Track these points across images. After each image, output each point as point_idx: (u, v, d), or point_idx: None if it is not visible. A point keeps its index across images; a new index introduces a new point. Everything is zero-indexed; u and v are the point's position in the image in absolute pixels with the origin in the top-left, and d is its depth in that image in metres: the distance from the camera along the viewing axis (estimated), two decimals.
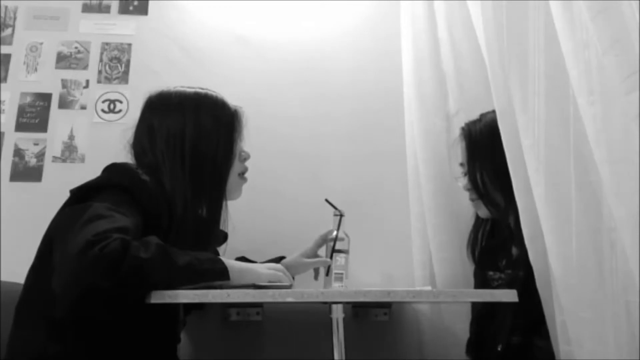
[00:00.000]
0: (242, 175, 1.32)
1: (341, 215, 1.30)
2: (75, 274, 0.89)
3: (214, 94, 1.27)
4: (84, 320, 1.01)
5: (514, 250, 1.30)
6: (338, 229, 1.30)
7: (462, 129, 1.39)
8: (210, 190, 1.19)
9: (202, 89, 1.27)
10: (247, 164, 1.35)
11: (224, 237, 1.32)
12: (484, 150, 1.31)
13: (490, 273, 1.34)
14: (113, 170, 1.14)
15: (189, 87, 1.27)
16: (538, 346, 1.14)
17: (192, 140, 1.18)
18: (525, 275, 1.17)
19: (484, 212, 1.36)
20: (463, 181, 1.39)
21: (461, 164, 1.40)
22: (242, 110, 1.29)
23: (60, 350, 1.00)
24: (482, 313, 1.36)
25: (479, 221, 1.42)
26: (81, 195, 1.07)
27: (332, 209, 1.32)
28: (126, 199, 1.05)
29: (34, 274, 1.08)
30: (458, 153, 1.41)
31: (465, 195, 1.41)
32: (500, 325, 1.27)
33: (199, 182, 1.17)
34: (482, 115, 1.35)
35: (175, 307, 1.17)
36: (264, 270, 1.13)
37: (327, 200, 1.31)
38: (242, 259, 1.38)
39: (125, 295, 0.92)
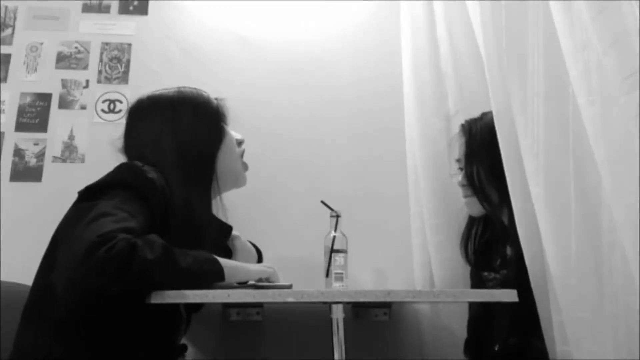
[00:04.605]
0: (241, 158, 1.34)
1: (337, 216, 1.31)
2: (81, 276, 0.90)
3: (189, 89, 1.28)
4: (88, 321, 1.02)
5: (508, 250, 1.31)
6: (335, 230, 1.30)
7: (462, 125, 1.40)
8: (197, 183, 1.20)
9: (178, 87, 1.29)
10: (248, 164, 1.36)
11: (228, 230, 1.33)
12: (482, 147, 1.31)
13: (485, 274, 1.34)
14: (120, 169, 1.15)
15: (162, 89, 1.28)
16: (535, 347, 1.13)
17: (171, 139, 1.20)
18: (517, 276, 1.17)
19: (476, 210, 1.36)
20: (458, 177, 1.39)
21: (458, 160, 1.41)
22: (223, 101, 1.30)
23: (66, 352, 1.00)
24: (480, 313, 1.36)
25: (472, 220, 1.43)
26: (89, 195, 1.07)
27: (330, 211, 1.33)
28: (133, 197, 1.06)
29: (41, 275, 1.08)
30: (455, 149, 1.41)
31: None
32: (497, 325, 1.28)
33: (185, 176, 1.17)
34: (484, 114, 1.36)
35: (176, 306, 1.17)
36: (254, 267, 1.16)
37: (323, 202, 1.32)
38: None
39: (129, 296, 0.93)
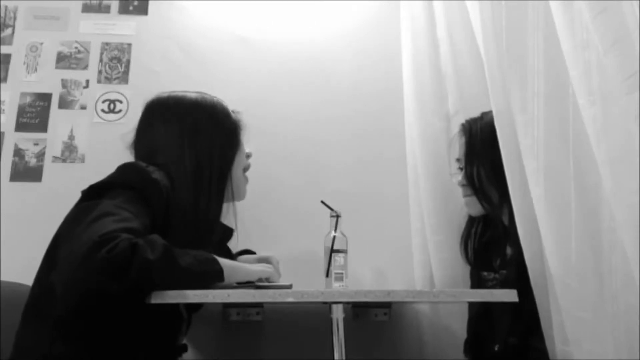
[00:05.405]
0: (244, 172, 1.35)
1: (337, 216, 1.31)
2: (82, 276, 0.90)
3: (210, 97, 1.29)
4: (89, 321, 1.02)
5: (508, 250, 1.31)
6: (335, 230, 1.30)
7: (463, 125, 1.40)
8: (210, 189, 1.20)
9: (199, 92, 1.29)
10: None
11: (230, 232, 1.34)
12: (483, 146, 1.31)
13: (485, 273, 1.34)
14: (124, 169, 1.15)
15: (184, 91, 1.29)
16: (535, 347, 1.14)
17: (191, 144, 1.20)
18: (516, 276, 1.17)
19: (476, 210, 1.36)
20: (458, 177, 1.39)
21: (458, 160, 1.41)
22: (240, 113, 1.32)
23: (66, 351, 1.00)
24: (479, 313, 1.36)
25: (472, 220, 1.43)
26: (92, 194, 1.07)
27: (330, 211, 1.33)
28: (136, 197, 1.06)
29: (42, 274, 1.08)
30: (455, 149, 1.41)
31: None
32: (497, 325, 1.28)
33: (200, 182, 1.18)
34: (484, 114, 1.36)
35: (176, 306, 1.17)
36: (254, 267, 1.16)
37: (322, 202, 1.32)
38: (246, 252, 1.44)
39: (130, 296, 0.93)
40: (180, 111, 1.24)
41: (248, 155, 1.36)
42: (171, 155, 1.19)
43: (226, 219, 1.29)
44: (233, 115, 1.30)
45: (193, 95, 1.28)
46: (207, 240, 1.15)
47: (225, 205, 1.26)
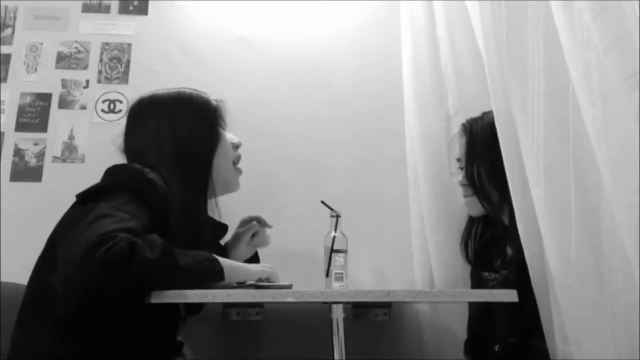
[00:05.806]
0: (235, 164, 1.34)
1: (337, 216, 1.31)
2: (81, 276, 0.90)
3: (189, 91, 1.28)
4: (88, 321, 1.02)
5: (509, 250, 1.31)
6: (335, 230, 1.30)
7: (463, 125, 1.39)
8: (195, 185, 1.20)
9: (177, 88, 1.29)
10: (246, 163, 1.37)
11: (224, 229, 1.34)
12: (483, 146, 1.31)
13: (485, 274, 1.34)
14: (117, 171, 1.14)
15: (164, 89, 1.28)
16: (535, 348, 1.14)
17: (169, 140, 1.20)
18: (517, 276, 1.17)
19: (476, 210, 1.36)
20: (458, 177, 1.39)
21: (458, 159, 1.41)
22: (223, 103, 1.31)
23: (65, 351, 1.00)
24: (479, 313, 1.36)
25: (472, 220, 1.43)
26: (87, 198, 1.07)
27: (330, 211, 1.33)
28: (133, 198, 1.06)
29: (39, 275, 1.08)
30: (456, 149, 1.41)
31: None
32: (497, 325, 1.28)
33: (185, 178, 1.17)
34: (485, 114, 1.36)
35: (175, 306, 1.17)
36: (254, 267, 1.16)
37: (323, 202, 1.32)
38: None
39: (129, 296, 0.93)
40: (158, 109, 1.24)
41: (237, 146, 1.34)
42: (156, 155, 1.18)
43: (213, 216, 1.29)
44: (213, 104, 1.28)
45: (170, 92, 1.27)
46: (200, 237, 1.15)
47: (208, 203, 1.25)
